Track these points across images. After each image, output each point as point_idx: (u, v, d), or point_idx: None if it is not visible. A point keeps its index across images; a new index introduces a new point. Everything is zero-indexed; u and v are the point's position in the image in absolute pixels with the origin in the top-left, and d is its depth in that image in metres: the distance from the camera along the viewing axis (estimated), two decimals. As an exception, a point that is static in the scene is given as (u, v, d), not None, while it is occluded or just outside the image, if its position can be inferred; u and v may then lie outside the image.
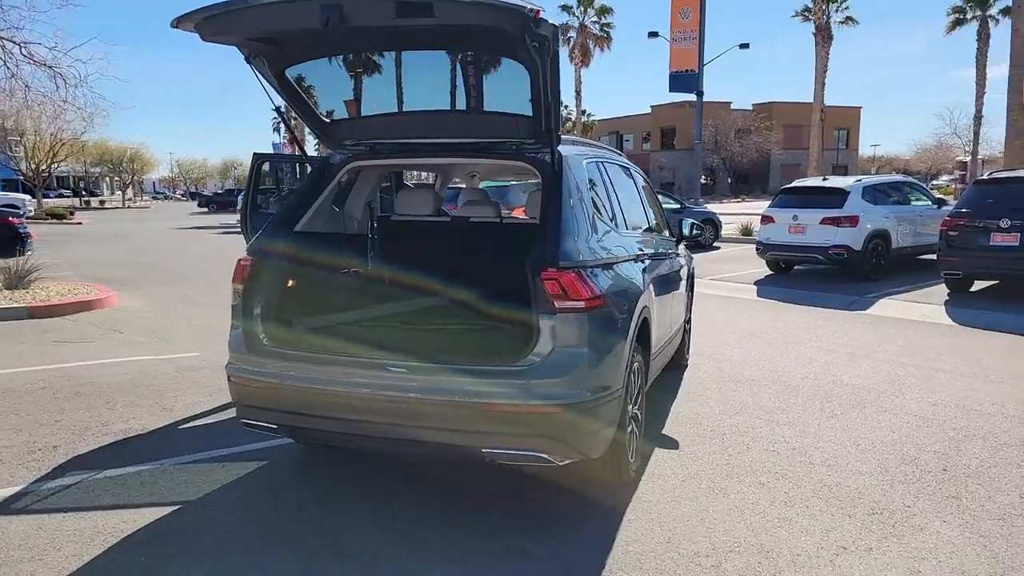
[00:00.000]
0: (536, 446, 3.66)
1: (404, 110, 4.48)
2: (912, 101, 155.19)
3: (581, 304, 3.67)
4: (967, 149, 46.56)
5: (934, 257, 12.64)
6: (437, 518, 4.00)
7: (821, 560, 3.54)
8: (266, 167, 6.70)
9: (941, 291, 12.25)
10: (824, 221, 13.39)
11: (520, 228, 5.42)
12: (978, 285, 12.46)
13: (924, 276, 13.62)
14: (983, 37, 39.21)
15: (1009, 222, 11.04)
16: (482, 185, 7.28)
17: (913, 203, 14.68)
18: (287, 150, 76.24)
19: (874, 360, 7.86)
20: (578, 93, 52.96)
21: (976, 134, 40.65)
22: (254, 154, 6.32)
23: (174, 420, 5.72)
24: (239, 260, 4.27)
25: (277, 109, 4.30)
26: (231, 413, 5.73)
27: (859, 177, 15.07)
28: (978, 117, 40.38)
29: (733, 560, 3.55)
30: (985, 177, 12.41)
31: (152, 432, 5.45)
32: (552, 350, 3.66)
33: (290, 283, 4.39)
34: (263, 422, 4.11)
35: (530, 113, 4.04)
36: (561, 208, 3.94)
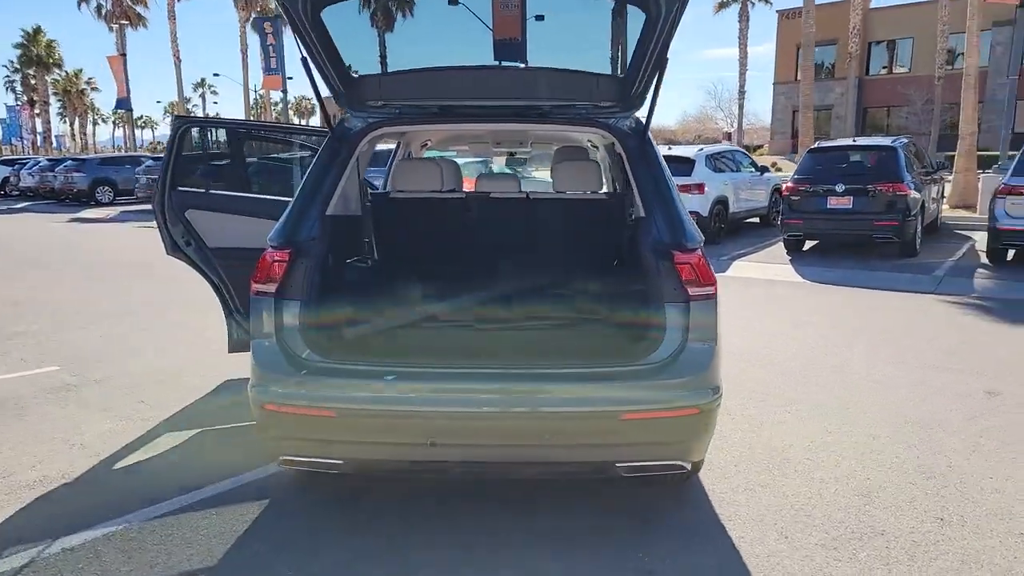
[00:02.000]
0: (676, 454, 3.23)
1: (448, 65, 3.73)
2: (676, 77, 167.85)
3: (711, 289, 3.26)
4: (729, 120, 51.17)
5: (758, 220, 13.46)
6: (535, 542, 3.42)
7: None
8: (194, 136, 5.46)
9: (777, 251, 13.13)
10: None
11: (595, 205, 4.77)
12: (807, 244, 13.47)
13: (754, 239, 14.56)
14: (744, 19, 42.86)
15: (843, 187, 12.02)
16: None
17: (743, 170, 15.60)
18: (24, 114, 65.84)
19: (777, 320, 8.15)
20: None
21: (741, 107, 44.63)
22: (176, 118, 5.09)
23: (99, 459, 4.53)
24: (264, 254, 3.34)
25: (304, 60, 3.38)
26: (175, 441, 4.70)
27: (700, 146, 15.77)
28: (742, 92, 44.34)
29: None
30: (816, 146, 13.42)
31: (80, 478, 4.27)
32: (683, 343, 3.21)
33: (336, 279, 3.56)
34: (318, 458, 3.27)
35: (618, 70, 3.50)
36: (668, 182, 3.49)
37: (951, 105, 37.18)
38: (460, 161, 5.72)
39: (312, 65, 3.42)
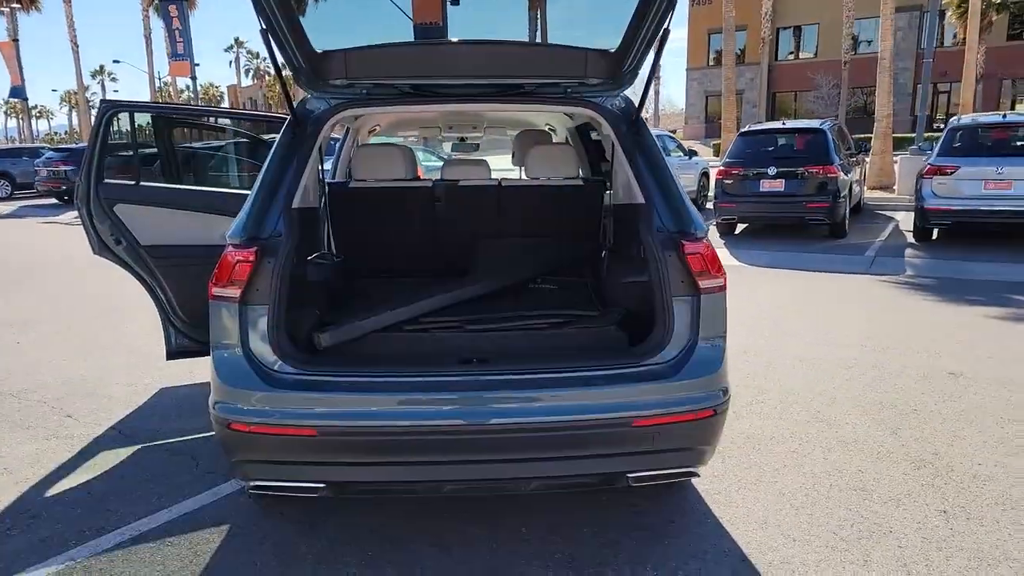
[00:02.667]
0: (690, 460, 3.01)
1: (424, 40, 3.38)
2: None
3: (721, 281, 3.05)
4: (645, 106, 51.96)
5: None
6: (535, 566, 3.15)
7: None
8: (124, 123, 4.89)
9: (710, 234, 13.16)
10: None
11: (572, 192, 4.42)
12: (738, 227, 13.58)
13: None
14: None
15: (776, 170, 12.14)
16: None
17: (672, 155, 15.64)
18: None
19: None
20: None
21: (656, 93, 45.36)
22: (103, 102, 4.53)
23: (28, 485, 4.02)
24: (225, 254, 2.94)
25: (263, 32, 2.96)
26: (114, 460, 4.24)
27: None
28: (656, 78, 45.08)
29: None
30: (747, 129, 13.51)
31: (8, 510, 3.76)
32: (693, 340, 3.00)
33: (302, 280, 3.19)
34: (296, 482, 2.91)
35: (611, 44, 3.23)
36: (666, 166, 3.26)
37: (857, 89, 38.70)
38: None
39: (272, 40, 3.02)
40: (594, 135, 5.02)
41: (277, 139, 3.32)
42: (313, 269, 3.66)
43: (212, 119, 6.39)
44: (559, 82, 3.41)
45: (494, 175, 4.58)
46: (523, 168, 4.28)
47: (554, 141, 5.34)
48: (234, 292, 2.90)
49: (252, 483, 2.96)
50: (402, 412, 2.82)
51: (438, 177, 4.56)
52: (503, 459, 2.89)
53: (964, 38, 28.34)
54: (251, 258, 2.90)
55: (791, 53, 44.36)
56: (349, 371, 2.93)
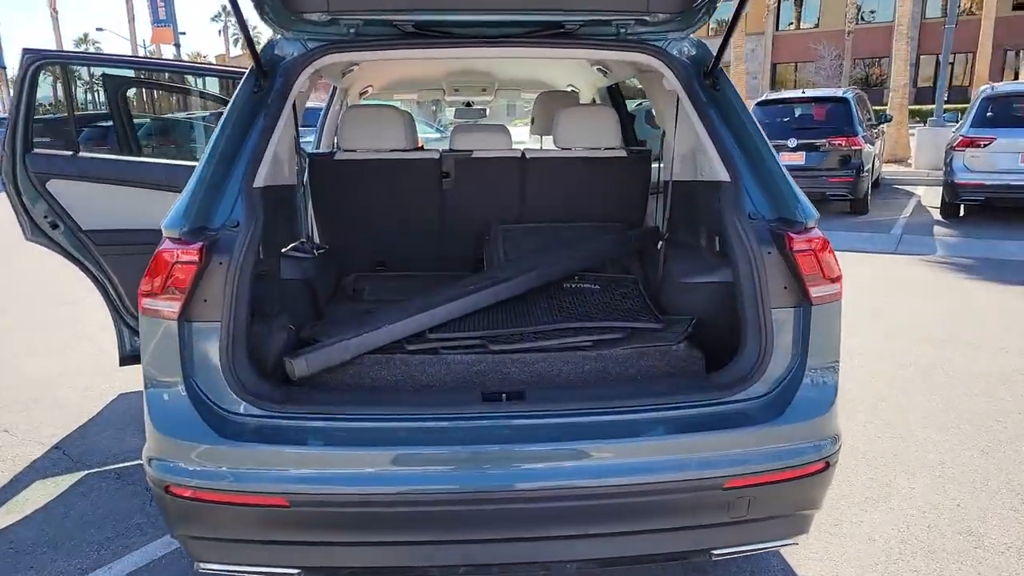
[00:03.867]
0: (792, 529, 2.27)
1: None
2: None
3: (837, 288, 2.29)
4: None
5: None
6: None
7: None
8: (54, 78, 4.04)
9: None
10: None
11: (615, 167, 3.61)
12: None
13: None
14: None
15: (796, 142, 11.33)
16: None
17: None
18: None
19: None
20: None
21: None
22: (26, 51, 3.66)
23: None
24: (159, 252, 2.15)
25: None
26: (54, 490, 3.53)
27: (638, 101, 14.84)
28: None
29: None
30: (765, 98, 12.69)
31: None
32: (799, 368, 2.24)
33: (272, 283, 2.43)
34: (260, 566, 2.15)
35: None
36: (760, 132, 2.48)
37: (859, 60, 37.80)
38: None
39: None
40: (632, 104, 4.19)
41: (235, 94, 2.51)
42: (288, 265, 2.88)
43: (176, 77, 5.48)
44: (611, 19, 2.61)
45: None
46: (552, 137, 3.48)
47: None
48: (172, 305, 2.12)
49: (202, 566, 2.19)
50: (407, 475, 2.07)
51: (441, 149, 3.76)
52: (542, 537, 2.13)
53: (971, 8, 27.45)
54: (195, 257, 2.11)
55: (791, 23, 43.32)
56: (334, 413, 2.16)
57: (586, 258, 3.04)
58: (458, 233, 3.66)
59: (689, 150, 2.93)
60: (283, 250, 2.94)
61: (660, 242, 2.99)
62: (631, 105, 4.85)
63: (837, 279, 2.27)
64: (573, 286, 3.00)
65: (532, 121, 4.77)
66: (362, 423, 2.13)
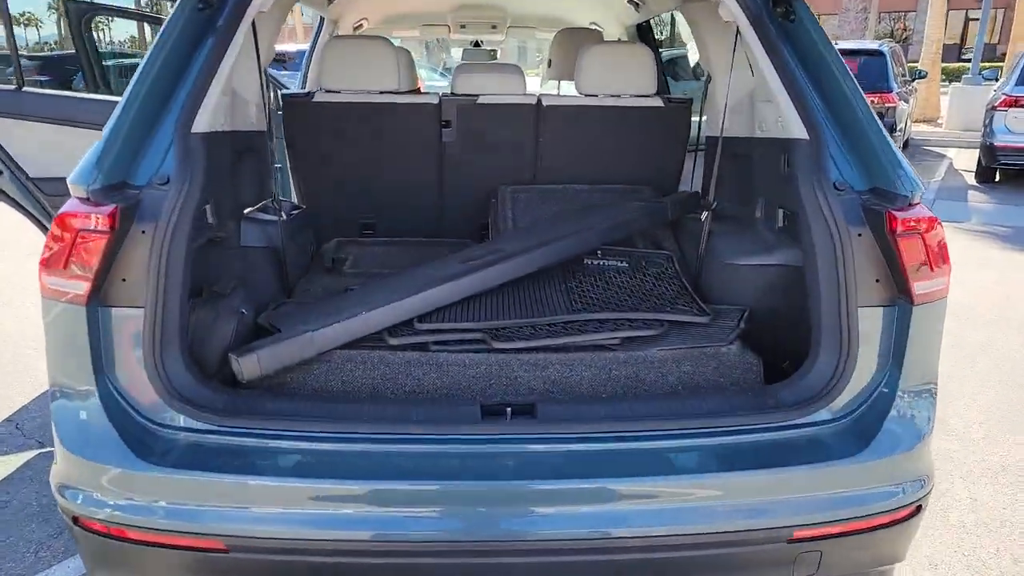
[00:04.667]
0: None
1: None
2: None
3: (945, 282, 1.80)
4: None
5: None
6: None
7: None
8: None
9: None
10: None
11: (650, 118, 3.06)
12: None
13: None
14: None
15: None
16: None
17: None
18: None
19: None
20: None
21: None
22: None
23: None
24: (61, 214, 1.66)
25: None
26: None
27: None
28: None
29: None
30: None
31: None
32: (887, 384, 1.77)
33: (221, 255, 2.01)
34: None
35: None
36: (852, 80, 1.97)
37: (886, 14, 36.49)
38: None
39: None
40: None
41: (172, 11, 1.97)
42: (251, 230, 2.38)
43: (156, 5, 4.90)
44: None
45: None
46: (575, 82, 2.94)
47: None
48: (79, 286, 1.63)
49: None
50: (380, 518, 1.61)
51: (441, 93, 3.21)
52: None
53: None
54: (108, 224, 1.61)
55: (815, -27, 41.83)
56: (291, 430, 1.68)
57: (613, 229, 2.52)
58: (459, 194, 3.13)
59: (745, 100, 2.40)
60: (246, 211, 2.44)
61: (705, 212, 2.46)
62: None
63: (947, 271, 1.77)
64: (596, 263, 2.49)
65: (548, 63, 4.19)
66: (326, 444, 1.66)
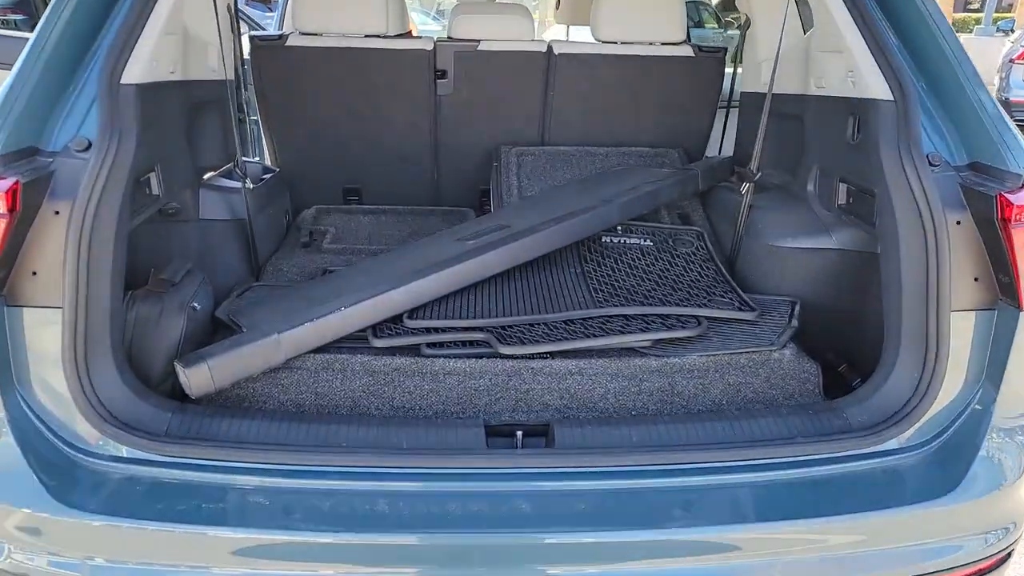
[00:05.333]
0: None
1: None
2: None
3: None
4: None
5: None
6: None
7: None
8: None
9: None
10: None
11: (678, 70, 2.64)
12: None
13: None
14: None
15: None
16: None
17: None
18: None
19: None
20: None
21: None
22: None
23: None
24: None
25: None
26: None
27: None
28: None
29: None
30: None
31: None
32: (980, 407, 1.45)
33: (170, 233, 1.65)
34: None
35: None
36: (951, 31, 1.60)
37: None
38: None
39: None
40: None
41: None
42: (211, 200, 2.01)
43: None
44: None
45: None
46: (590, 27, 2.54)
47: None
48: None
49: None
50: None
51: (436, 38, 2.80)
52: None
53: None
54: (6, 205, 1.25)
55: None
56: (249, 462, 1.34)
57: (637, 202, 2.15)
58: (457, 156, 2.75)
59: (797, 49, 2.02)
60: (206, 176, 2.07)
61: (745, 183, 2.10)
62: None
63: None
64: (616, 240, 2.13)
65: (557, 4, 3.75)
66: (293, 480, 1.33)
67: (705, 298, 1.85)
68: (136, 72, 1.47)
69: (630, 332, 1.68)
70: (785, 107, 2.09)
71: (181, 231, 1.95)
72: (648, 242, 2.15)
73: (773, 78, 2.00)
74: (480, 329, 1.68)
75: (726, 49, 2.68)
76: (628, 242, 2.14)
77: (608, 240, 2.14)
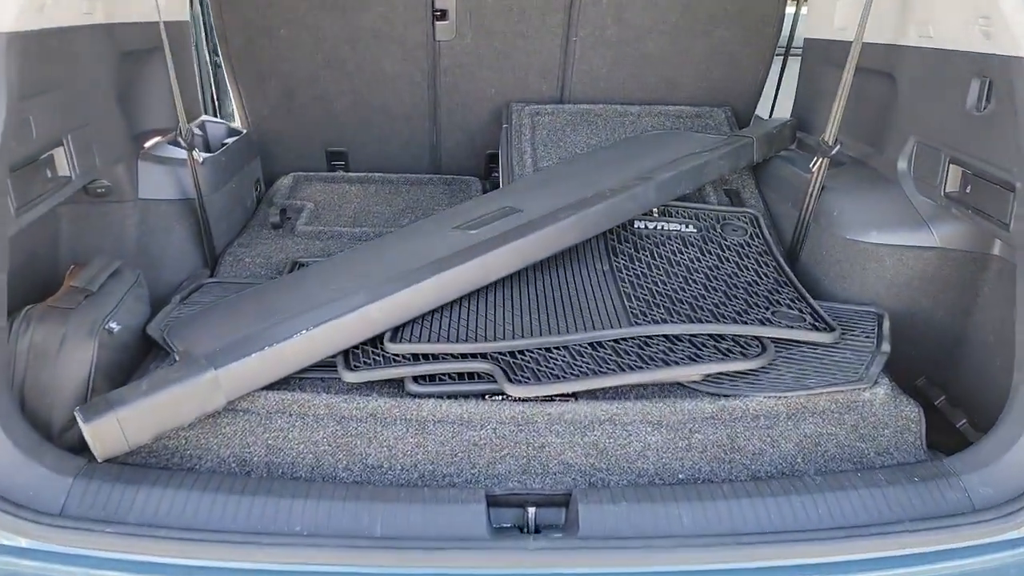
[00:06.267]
0: None
1: None
2: None
3: None
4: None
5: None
6: None
7: None
8: None
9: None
10: None
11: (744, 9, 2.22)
12: None
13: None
14: None
15: None
16: None
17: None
18: None
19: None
20: None
21: None
22: None
23: None
24: None
25: None
26: None
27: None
28: None
29: None
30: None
31: None
32: None
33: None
34: None
35: None
36: None
37: None
38: None
39: None
40: None
41: None
42: (155, 175, 1.64)
43: None
44: None
45: None
46: None
47: None
48: None
49: None
50: None
51: None
52: None
53: None
54: None
55: None
56: (164, 556, 1.00)
57: (680, 179, 1.75)
58: (460, 114, 2.34)
59: None
60: (147, 145, 1.69)
61: (817, 158, 1.69)
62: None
63: None
64: (650, 226, 1.75)
65: None
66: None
67: (767, 308, 1.47)
68: (8, 15, 1.07)
69: (676, 361, 1.31)
70: (870, 60, 1.67)
71: (114, 215, 1.58)
72: (691, 228, 1.76)
73: (864, 21, 1.56)
74: (482, 356, 1.31)
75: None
76: (667, 228, 1.75)
77: (641, 226, 1.76)
